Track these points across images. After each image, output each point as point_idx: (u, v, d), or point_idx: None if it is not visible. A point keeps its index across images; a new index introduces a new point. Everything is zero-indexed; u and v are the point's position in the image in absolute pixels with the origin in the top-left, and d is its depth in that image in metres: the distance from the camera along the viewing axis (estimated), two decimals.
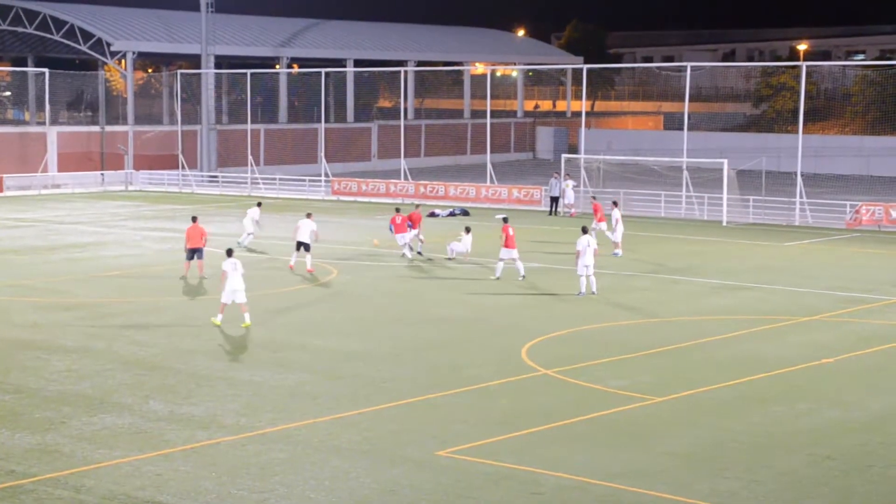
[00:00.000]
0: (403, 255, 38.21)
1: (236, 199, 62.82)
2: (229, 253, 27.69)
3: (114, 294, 31.93)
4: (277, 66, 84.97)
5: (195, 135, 74.75)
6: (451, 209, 54.40)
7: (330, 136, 71.02)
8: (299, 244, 35.48)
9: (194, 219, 34.94)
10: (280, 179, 67.10)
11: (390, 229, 38.72)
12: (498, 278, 33.94)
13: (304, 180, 66.47)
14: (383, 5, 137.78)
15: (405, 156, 64.75)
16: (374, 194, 61.61)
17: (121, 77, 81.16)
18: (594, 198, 46.08)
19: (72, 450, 17.76)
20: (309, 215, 36.36)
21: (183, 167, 71.59)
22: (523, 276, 33.87)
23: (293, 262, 35.77)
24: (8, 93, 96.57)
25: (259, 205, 43.30)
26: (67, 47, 79.43)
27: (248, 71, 72.34)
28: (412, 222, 38.55)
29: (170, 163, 72.96)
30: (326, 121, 71.01)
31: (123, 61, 77.20)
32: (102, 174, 70.95)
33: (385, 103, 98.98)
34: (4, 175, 65.67)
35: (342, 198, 61.91)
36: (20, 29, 79.80)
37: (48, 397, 20.80)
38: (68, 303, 30.42)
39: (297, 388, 21.71)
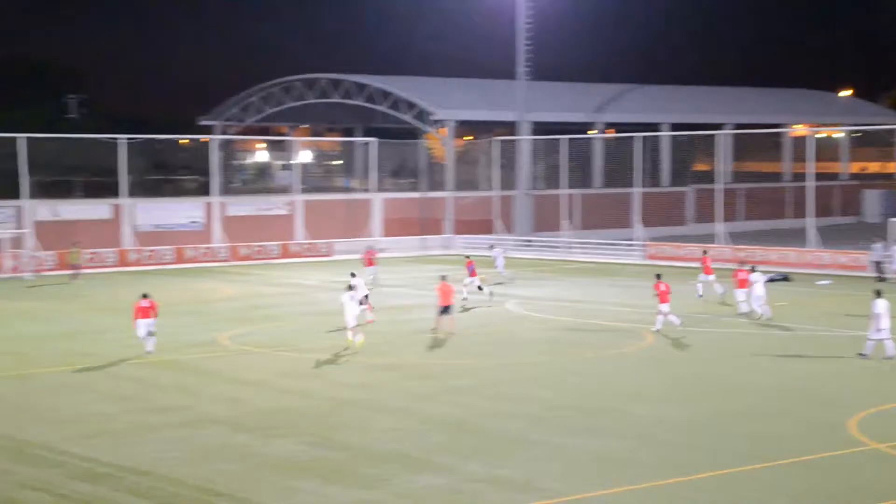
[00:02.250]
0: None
1: (550, 263, 63.36)
2: (350, 287, 34.72)
3: (432, 355, 32.75)
4: (591, 132, 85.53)
5: (511, 200, 76.16)
6: (771, 275, 52.76)
7: (645, 201, 70.61)
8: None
9: (444, 277, 37.33)
10: (594, 244, 67.23)
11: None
12: (658, 330, 35.93)
13: (618, 244, 66.32)
14: (700, 68, 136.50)
15: (722, 220, 63.49)
16: (689, 259, 60.58)
17: (441, 145, 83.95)
18: (705, 252, 47.76)
19: None
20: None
21: (499, 232, 72.99)
22: (657, 330, 35.94)
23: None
24: (338, 161, 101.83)
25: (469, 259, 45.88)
26: (392, 118, 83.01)
27: (564, 137, 73.14)
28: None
29: (487, 227, 74.59)
30: (641, 185, 70.72)
31: (444, 129, 79.85)
32: (423, 239, 73.34)
33: (701, 167, 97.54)
34: (334, 240, 69.04)
35: (657, 262, 61.28)
36: (349, 101, 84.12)
37: (373, 455, 21.48)
38: (391, 363, 31.43)
39: (613, 453, 21.46)
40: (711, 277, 44.40)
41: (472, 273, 44.61)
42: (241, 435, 22.96)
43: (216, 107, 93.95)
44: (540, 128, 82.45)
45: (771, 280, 51.43)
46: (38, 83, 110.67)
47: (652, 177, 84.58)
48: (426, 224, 75.50)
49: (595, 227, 75.24)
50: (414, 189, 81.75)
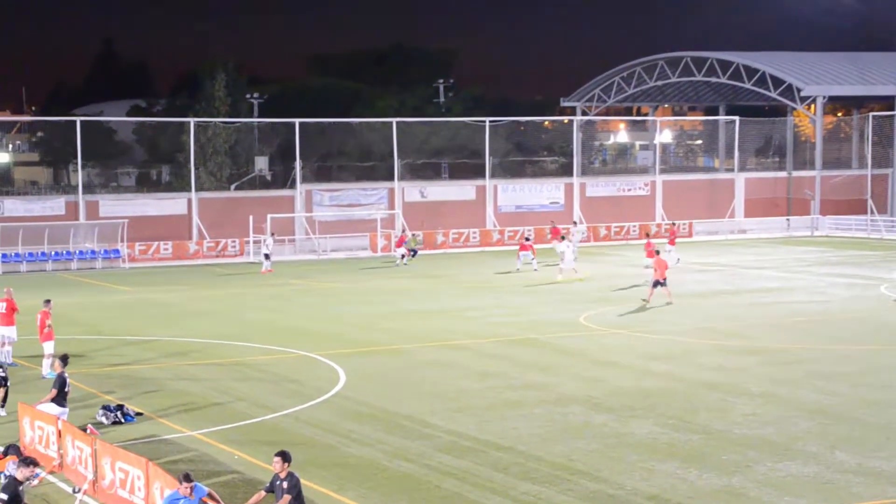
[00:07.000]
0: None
1: None
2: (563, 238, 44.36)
3: (798, 340, 31.60)
4: None
5: (885, 179, 72.28)
6: None
7: None
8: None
9: (658, 252, 40.59)
10: None
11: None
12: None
13: None
14: None
15: None
16: None
17: (809, 122, 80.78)
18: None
19: (757, 495, 17.68)
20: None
21: (872, 212, 69.46)
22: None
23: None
24: (699, 141, 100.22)
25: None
26: (757, 94, 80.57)
27: None
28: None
29: (857, 208, 71.17)
30: None
31: (813, 106, 76.74)
32: (788, 220, 70.92)
33: None
34: (694, 221, 67.96)
35: None
36: (713, 79, 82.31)
37: (733, 440, 20.94)
38: (753, 347, 30.57)
39: None
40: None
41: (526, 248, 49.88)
42: (600, 415, 23.00)
43: (578, 88, 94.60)
44: None
45: None
46: (410, 69, 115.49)
47: None
48: (792, 204, 72.93)
49: None
50: (778, 168, 79.15)
